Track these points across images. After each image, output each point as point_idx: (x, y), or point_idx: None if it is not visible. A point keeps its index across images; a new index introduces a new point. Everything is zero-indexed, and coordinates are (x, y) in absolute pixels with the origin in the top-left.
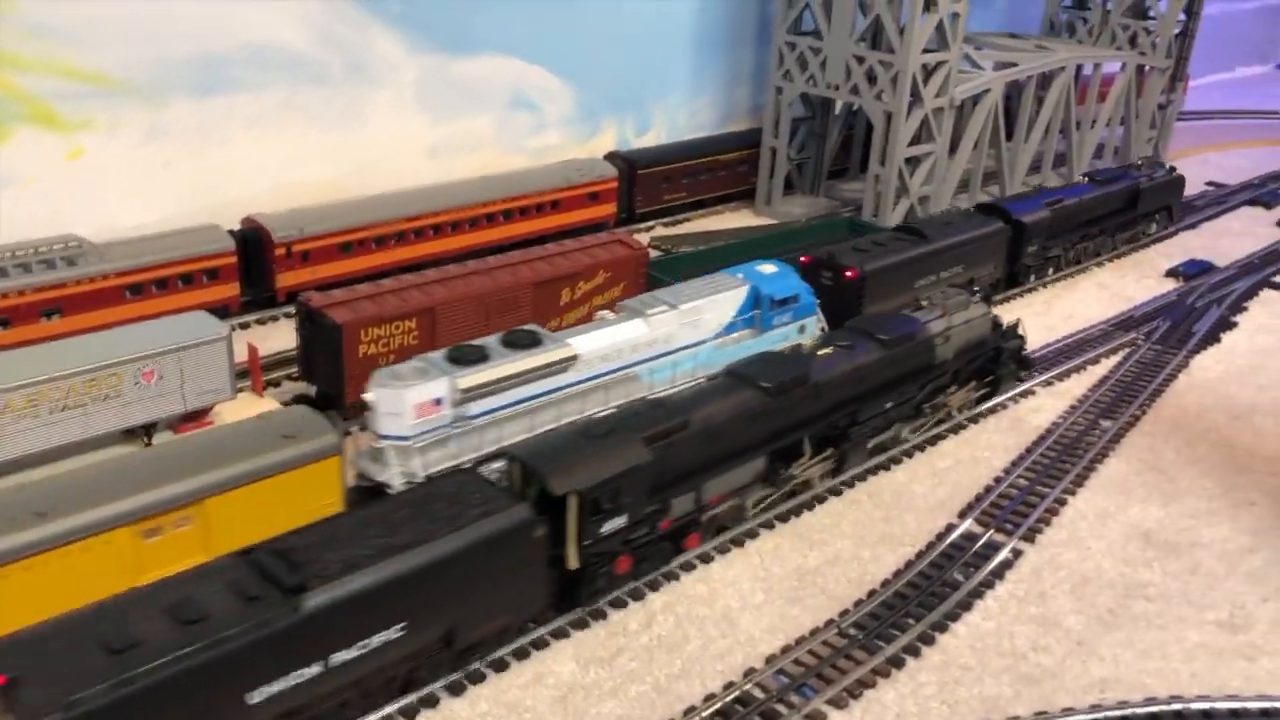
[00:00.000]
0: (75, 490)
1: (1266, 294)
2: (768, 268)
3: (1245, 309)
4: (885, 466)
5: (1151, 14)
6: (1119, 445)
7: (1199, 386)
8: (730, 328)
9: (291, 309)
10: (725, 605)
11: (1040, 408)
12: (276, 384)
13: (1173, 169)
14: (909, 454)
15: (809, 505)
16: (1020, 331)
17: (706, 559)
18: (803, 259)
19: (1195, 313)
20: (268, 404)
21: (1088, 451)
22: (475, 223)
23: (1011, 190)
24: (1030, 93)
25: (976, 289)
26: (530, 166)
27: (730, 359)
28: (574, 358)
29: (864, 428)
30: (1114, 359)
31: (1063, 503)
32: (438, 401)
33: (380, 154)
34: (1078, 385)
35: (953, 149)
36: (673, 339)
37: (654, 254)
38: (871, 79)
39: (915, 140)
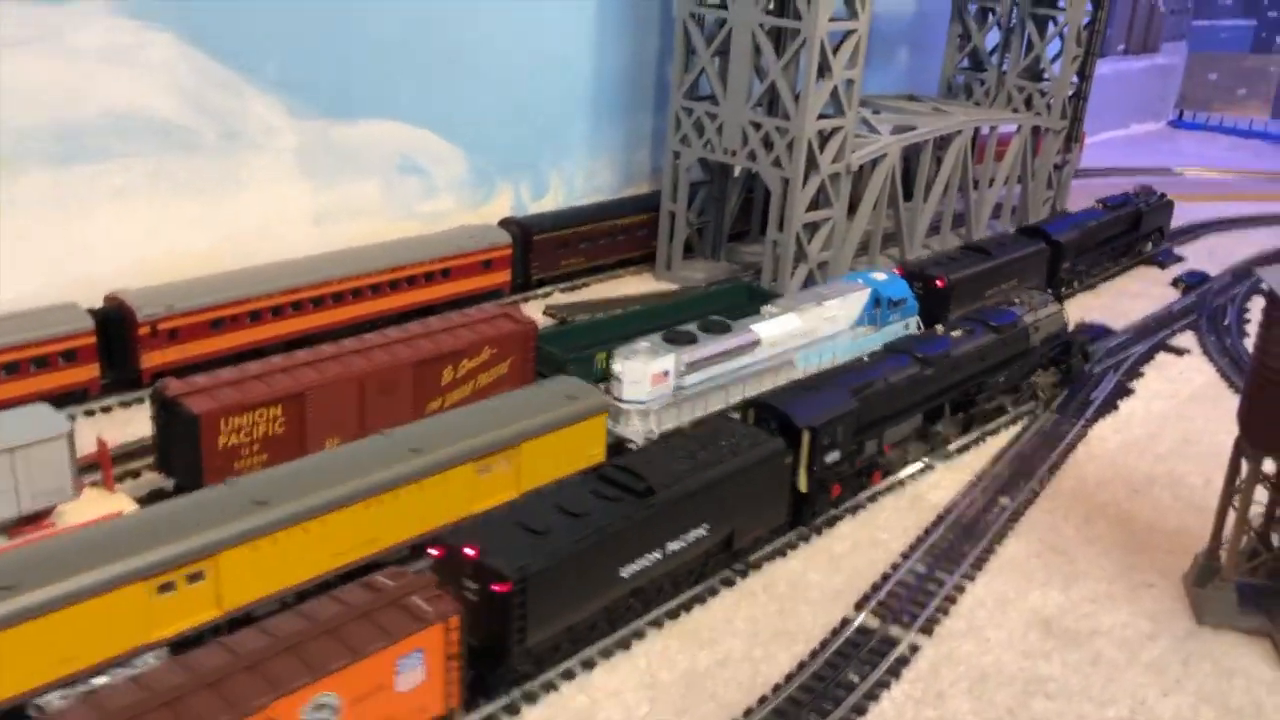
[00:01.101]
0: (435, 433)
1: (1162, 358)
2: (880, 275)
3: (1142, 374)
4: (781, 553)
5: (1046, 76)
6: (1018, 524)
7: (1098, 458)
8: (857, 323)
9: None
10: (606, 719)
11: (939, 484)
12: (136, 474)
13: (1163, 195)
14: (805, 538)
15: (701, 599)
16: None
17: (589, 664)
18: (896, 269)
19: (1093, 379)
20: (120, 501)
21: (986, 532)
22: (359, 294)
23: (912, 253)
24: (929, 154)
25: (1050, 290)
26: (421, 233)
27: (859, 350)
28: (759, 341)
29: (985, 394)
30: (1013, 429)
31: (961, 589)
32: (666, 373)
33: (260, 223)
34: (976, 459)
35: (851, 211)
36: (817, 331)
37: (548, 323)
38: (768, 145)
39: (813, 205)
